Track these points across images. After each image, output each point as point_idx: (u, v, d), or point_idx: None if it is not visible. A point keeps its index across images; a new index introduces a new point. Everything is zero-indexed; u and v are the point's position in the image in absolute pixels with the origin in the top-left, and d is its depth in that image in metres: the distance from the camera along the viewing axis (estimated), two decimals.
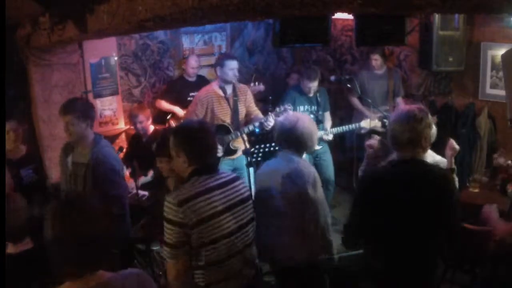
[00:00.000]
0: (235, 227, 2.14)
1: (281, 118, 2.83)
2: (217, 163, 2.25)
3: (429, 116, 2.20)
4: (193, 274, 2.11)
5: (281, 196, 2.65)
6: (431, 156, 2.91)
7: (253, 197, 2.49)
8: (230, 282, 2.18)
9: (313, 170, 2.73)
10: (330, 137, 4.64)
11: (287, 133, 2.70)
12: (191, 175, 2.13)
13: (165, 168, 2.62)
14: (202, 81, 4.99)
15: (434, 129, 2.33)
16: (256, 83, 5.24)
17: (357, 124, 4.60)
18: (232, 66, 4.01)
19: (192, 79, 5.00)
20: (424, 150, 2.20)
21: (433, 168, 2.23)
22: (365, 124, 4.51)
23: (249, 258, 2.27)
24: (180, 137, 2.16)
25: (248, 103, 4.26)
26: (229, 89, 4.15)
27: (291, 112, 2.86)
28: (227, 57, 4.10)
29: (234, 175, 2.31)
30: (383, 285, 2.24)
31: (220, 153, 4.12)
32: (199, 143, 2.14)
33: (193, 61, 4.97)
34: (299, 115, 2.80)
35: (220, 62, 4.06)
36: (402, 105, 4.87)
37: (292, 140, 2.70)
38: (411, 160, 2.16)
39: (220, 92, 4.11)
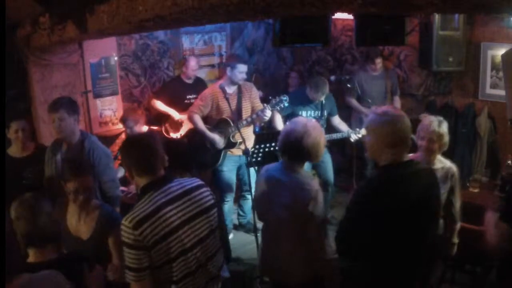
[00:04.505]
0: (195, 241, 2.07)
1: (287, 126, 2.60)
2: (168, 175, 2.10)
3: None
4: None
5: (280, 209, 2.48)
6: (440, 161, 2.92)
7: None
8: None
9: (315, 184, 2.51)
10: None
11: (293, 146, 2.49)
12: (144, 191, 2.02)
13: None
14: (199, 83, 4.97)
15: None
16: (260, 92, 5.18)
17: (347, 132, 4.56)
18: (243, 69, 4.16)
19: (190, 81, 4.92)
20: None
21: (420, 166, 2.18)
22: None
23: (212, 272, 2.19)
24: (123, 151, 2.09)
25: (252, 99, 4.37)
26: (233, 88, 4.28)
27: (300, 120, 2.59)
28: (239, 61, 4.23)
29: (196, 183, 2.17)
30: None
31: (221, 145, 4.23)
32: (142, 155, 2.01)
33: (193, 63, 4.91)
34: (307, 125, 2.52)
35: (232, 64, 4.18)
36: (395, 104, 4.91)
37: (298, 153, 2.50)
38: (405, 163, 2.10)
39: (226, 91, 4.21)
